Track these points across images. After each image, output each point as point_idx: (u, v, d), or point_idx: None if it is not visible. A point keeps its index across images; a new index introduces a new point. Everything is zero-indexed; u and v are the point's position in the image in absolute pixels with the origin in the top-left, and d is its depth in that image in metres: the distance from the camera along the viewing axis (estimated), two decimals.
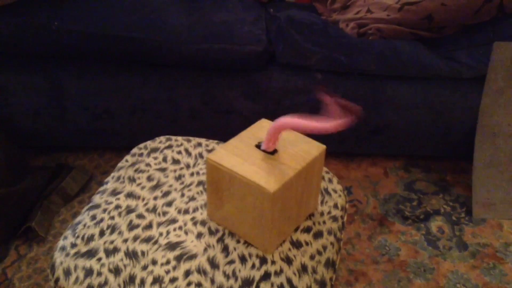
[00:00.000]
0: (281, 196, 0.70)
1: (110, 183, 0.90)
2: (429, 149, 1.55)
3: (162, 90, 1.39)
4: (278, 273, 0.73)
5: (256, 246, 0.76)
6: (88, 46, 1.30)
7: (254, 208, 0.72)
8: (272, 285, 0.72)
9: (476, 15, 1.35)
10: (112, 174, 0.93)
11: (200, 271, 0.73)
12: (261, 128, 0.81)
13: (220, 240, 0.78)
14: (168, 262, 0.74)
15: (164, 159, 0.95)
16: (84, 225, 0.80)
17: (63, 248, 0.77)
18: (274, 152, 0.75)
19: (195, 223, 0.80)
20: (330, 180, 0.93)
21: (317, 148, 0.77)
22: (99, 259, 0.74)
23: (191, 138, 1.02)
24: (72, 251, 0.76)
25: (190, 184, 0.88)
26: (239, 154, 0.74)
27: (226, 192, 0.75)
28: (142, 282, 0.71)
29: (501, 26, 1.38)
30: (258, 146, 0.76)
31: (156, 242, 0.77)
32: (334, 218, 0.86)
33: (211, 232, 0.79)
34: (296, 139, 0.79)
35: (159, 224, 0.80)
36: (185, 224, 0.80)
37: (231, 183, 0.73)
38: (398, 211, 1.42)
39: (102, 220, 0.81)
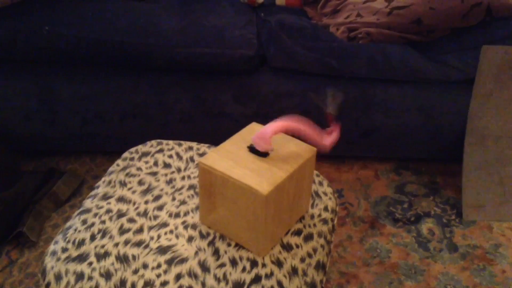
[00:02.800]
0: (274, 199, 0.71)
1: (101, 188, 0.90)
2: (419, 152, 1.56)
3: (153, 94, 1.39)
4: (268, 276, 0.74)
5: (249, 249, 0.77)
6: (79, 51, 1.30)
7: (247, 211, 0.72)
8: None
9: (464, 19, 1.36)
10: (103, 179, 0.93)
11: (191, 274, 0.73)
12: (252, 131, 0.81)
13: (211, 243, 0.78)
14: (159, 266, 0.74)
15: (155, 163, 0.95)
16: (75, 230, 0.81)
17: (54, 253, 0.77)
18: (266, 154, 0.76)
19: (186, 227, 0.80)
20: (320, 183, 0.94)
21: (308, 151, 0.78)
22: (90, 264, 0.74)
23: (182, 142, 1.02)
24: (63, 256, 0.76)
25: (181, 188, 0.89)
26: (231, 158, 0.75)
27: (219, 196, 0.75)
28: (133, 286, 0.71)
29: (489, 29, 1.40)
30: (249, 148, 0.77)
31: (147, 246, 0.77)
32: (325, 221, 0.86)
33: (202, 236, 0.79)
34: (287, 141, 0.80)
35: (150, 228, 0.80)
36: (176, 228, 0.80)
37: (224, 186, 0.73)
38: (389, 213, 1.43)
39: (93, 224, 0.81)
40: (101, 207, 0.85)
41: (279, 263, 0.76)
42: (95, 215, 0.83)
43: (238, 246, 0.78)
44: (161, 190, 0.88)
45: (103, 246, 0.77)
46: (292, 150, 0.77)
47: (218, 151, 0.76)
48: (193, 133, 1.48)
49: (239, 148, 0.77)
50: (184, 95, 1.40)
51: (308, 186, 0.82)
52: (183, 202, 0.85)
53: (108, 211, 0.84)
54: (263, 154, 0.76)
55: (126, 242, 0.77)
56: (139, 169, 0.94)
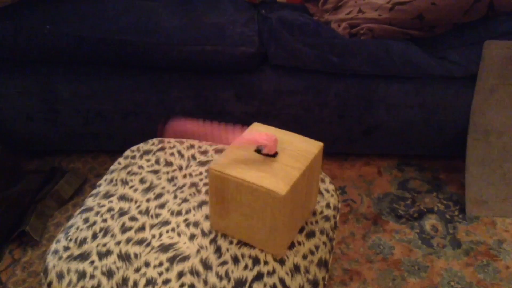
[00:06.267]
0: (290, 198, 0.70)
1: (103, 186, 0.90)
2: (422, 148, 1.56)
3: (155, 93, 1.39)
4: (270, 273, 0.74)
5: (268, 251, 0.76)
6: (80, 50, 1.30)
7: (264, 213, 0.71)
8: (265, 285, 0.72)
9: (466, 14, 1.35)
10: (104, 177, 0.93)
11: (193, 272, 0.73)
12: (256, 132, 0.81)
13: (213, 241, 0.78)
14: (161, 264, 0.74)
15: (157, 161, 0.95)
16: (77, 228, 0.81)
17: (55, 252, 0.77)
18: (275, 154, 0.75)
19: (187, 225, 0.80)
20: (322, 180, 0.94)
21: (315, 146, 0.77)
22: (92, 262, 0.74)
23: (183, 140, 1.02)
24: (65, 255, 0.76)
25: (183, 186, 0.89)
26: (241, 161, 0.73)
27: (232, 201, 0.74)
28: (135, 284, 0.71)
29: (492, 24, 1.39)
30: (257, 151, 0.76)
31: (149, 244, 0.77)
32: (327, 218, 0.86)
33: (204, 234, 0.79)
34: (293, 139, 0.79)
35: (151, 226, 0.80)
36: (178, 226, 0.80)
37: (238, 191, 0.72)
38: (392, 210, 1.42)
39: (94, 223, 0.81)
40: (103, 206, 0.84)
41: (281, 261, 0.76)
42: (97, 213, 0.83)
43: (240, 243, 0.77)
44: (163, 188, 0.88)
45: (105, 245, 0.77)
46: (299, 147, 0.76)
47: (226, 155, 0.75)
48: None
49: (246, 150, 0.76)
50: (185, 94, 1.40)
51: (316, 182, 0.82)
52: (184, 200, 0.85)
53: (110, 209, 0.84)
54: (272, 154, 0.75)
55: (128, 241, 0.77)
56: (140, 167, 0.94)
